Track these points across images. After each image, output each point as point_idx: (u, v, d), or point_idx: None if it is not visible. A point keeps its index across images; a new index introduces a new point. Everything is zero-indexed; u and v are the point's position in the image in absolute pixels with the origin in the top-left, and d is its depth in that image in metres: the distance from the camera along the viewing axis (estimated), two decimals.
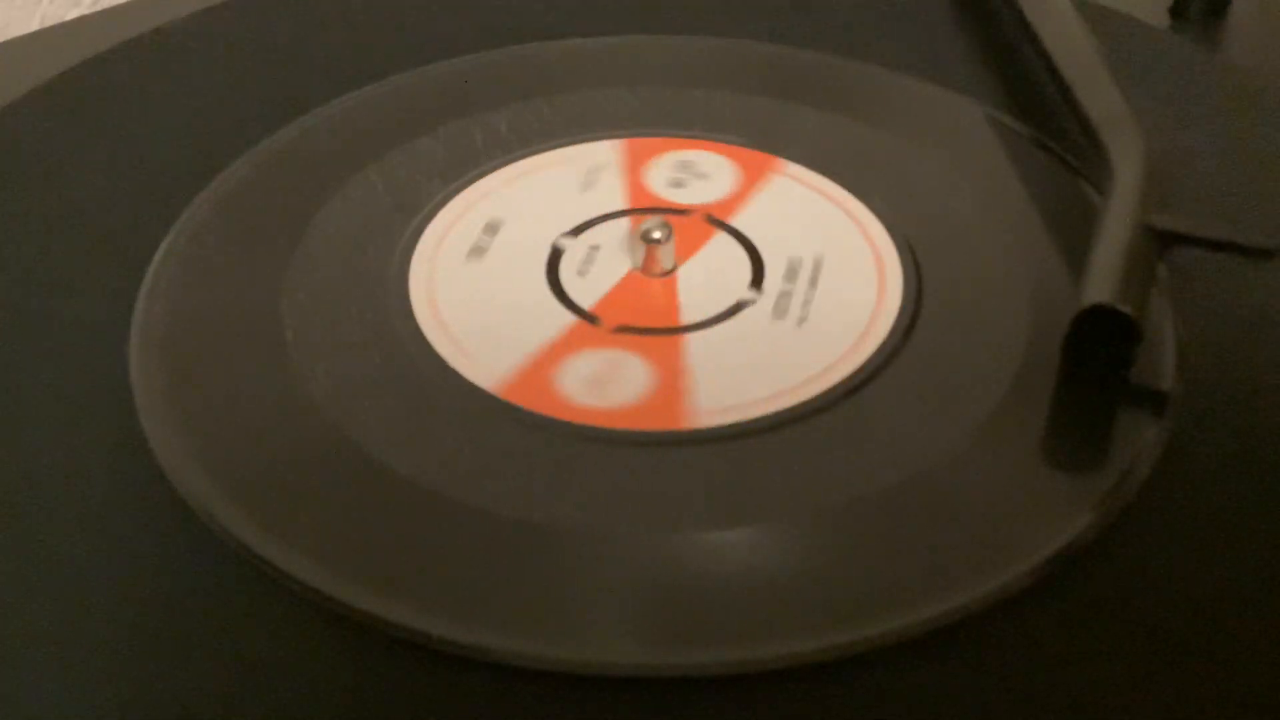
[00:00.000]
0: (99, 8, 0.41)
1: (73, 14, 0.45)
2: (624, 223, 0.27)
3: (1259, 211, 0.28)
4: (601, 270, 0.26)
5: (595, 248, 0.27)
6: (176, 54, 0.33)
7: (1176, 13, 0.35)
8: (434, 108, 0.30)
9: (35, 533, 0.21)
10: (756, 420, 0.23)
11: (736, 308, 0.25)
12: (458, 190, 0.28)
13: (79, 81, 0.32)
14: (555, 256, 0.26)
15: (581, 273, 0.26)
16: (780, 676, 0.19)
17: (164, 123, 0.30)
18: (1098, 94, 0.28)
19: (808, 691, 0.19)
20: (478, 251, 0.26)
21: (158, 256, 0.26)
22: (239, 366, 0.24)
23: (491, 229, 0.27)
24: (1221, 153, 0.29)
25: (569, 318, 0.25)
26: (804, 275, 0.26)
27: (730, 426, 0.23)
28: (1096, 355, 0.23)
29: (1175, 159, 0.27)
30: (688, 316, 0.25)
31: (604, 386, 0.23)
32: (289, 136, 0.30)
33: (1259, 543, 0.21)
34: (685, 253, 0.26)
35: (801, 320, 0.25)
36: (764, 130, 0.30)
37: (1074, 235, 0.26)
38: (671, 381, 0.24)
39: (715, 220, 0.27)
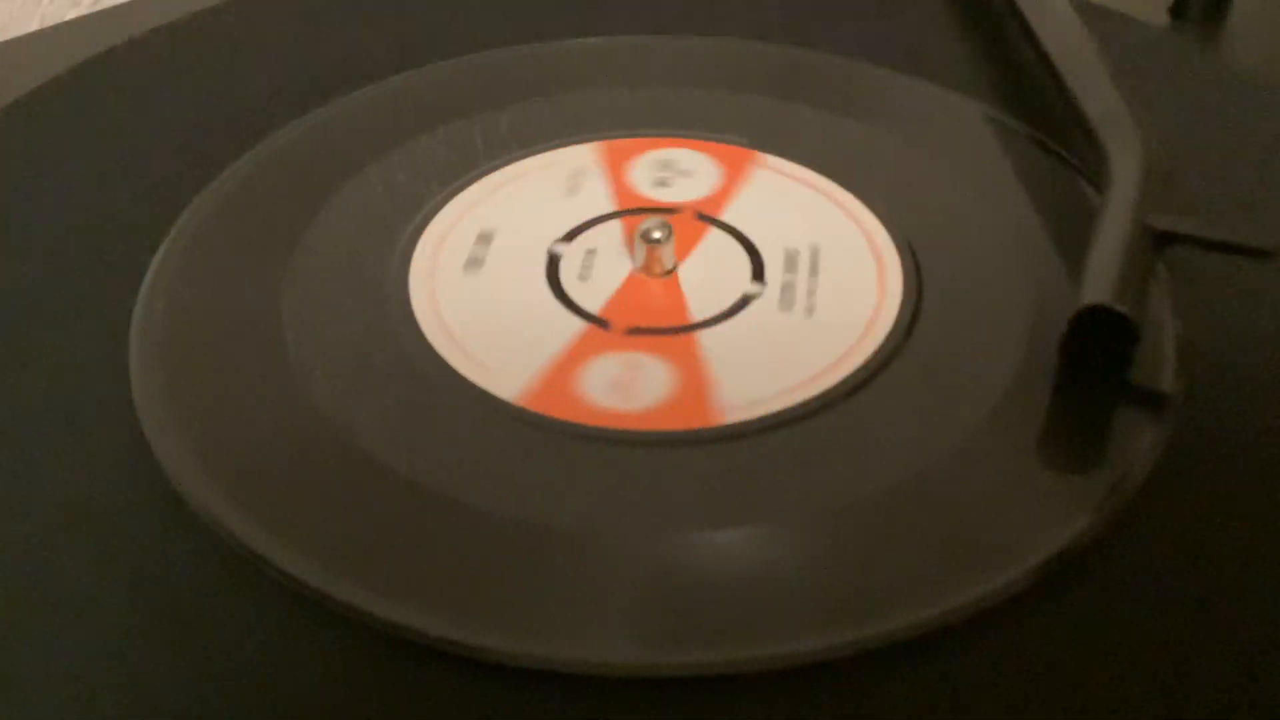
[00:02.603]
0: (99, 8, 0.41)
1: (73, 14, 0.45)
2: (616, 225, 0.27)
3: (1258, 212, 0.28)
4: (602, 273, 0.26)
5: (592, 252, 0.27)
6: (176, 54, 0.33)
7: (1176, 13, 0.35)
8: (436, 108, 0.31)
9: (35, 533, 0.21)
10: (755, 421, 0.23)
11: (743, 302, 0.25)
12: (456, 192, 0.28)
13: (79, 81, 0.32)
14: (554, 263, 0.26)
15: (583, 277, 0.26)
16: (780, 676, 0.19)
17: (164, 123, 0.30)
18: (1096, 93, 0.28)
19: (808, 691, 0.19)
20: (475, 263, 0.26)
21: (158, 257, 0.26)
22: (239, 367, 0.24)
23: (485, 239, 0.27)
24: (1221, 153, 0.29)
25: (579, 324, 0.25)
26: (803, 265, 0.26)
27: (729, 427, 0.23)
28: (1095, 355, 0.23)
29: (1174, 159, 0.27)
30: (697, 314, 0.25)
31: (627, 390, 0.23)
32: (289, 137, 0.30)
33: (1259, 543, 0.21)
34: (682, 251, 0.27)
35: (810, 310, 0.25)
36: (764, 130, 0.30)
37: (1074, 235, 0.26)
38: (693, 379, 0.24)
39: (705, 217, 0.27)
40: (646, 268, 0.26)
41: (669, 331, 0.25)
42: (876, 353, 0.24)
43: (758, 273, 0.26)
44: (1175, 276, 0.25)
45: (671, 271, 0.26)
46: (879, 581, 0.20)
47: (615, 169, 0.29)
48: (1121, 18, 0.34)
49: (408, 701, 0.19)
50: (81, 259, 0.26)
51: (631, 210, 0.28)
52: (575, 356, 0.24)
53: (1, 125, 0.30)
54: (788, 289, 0.26)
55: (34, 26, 0.45)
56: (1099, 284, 0.23)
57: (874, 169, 0.29)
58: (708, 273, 0.26)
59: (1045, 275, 0.26)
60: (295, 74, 0.32)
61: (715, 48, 0.33)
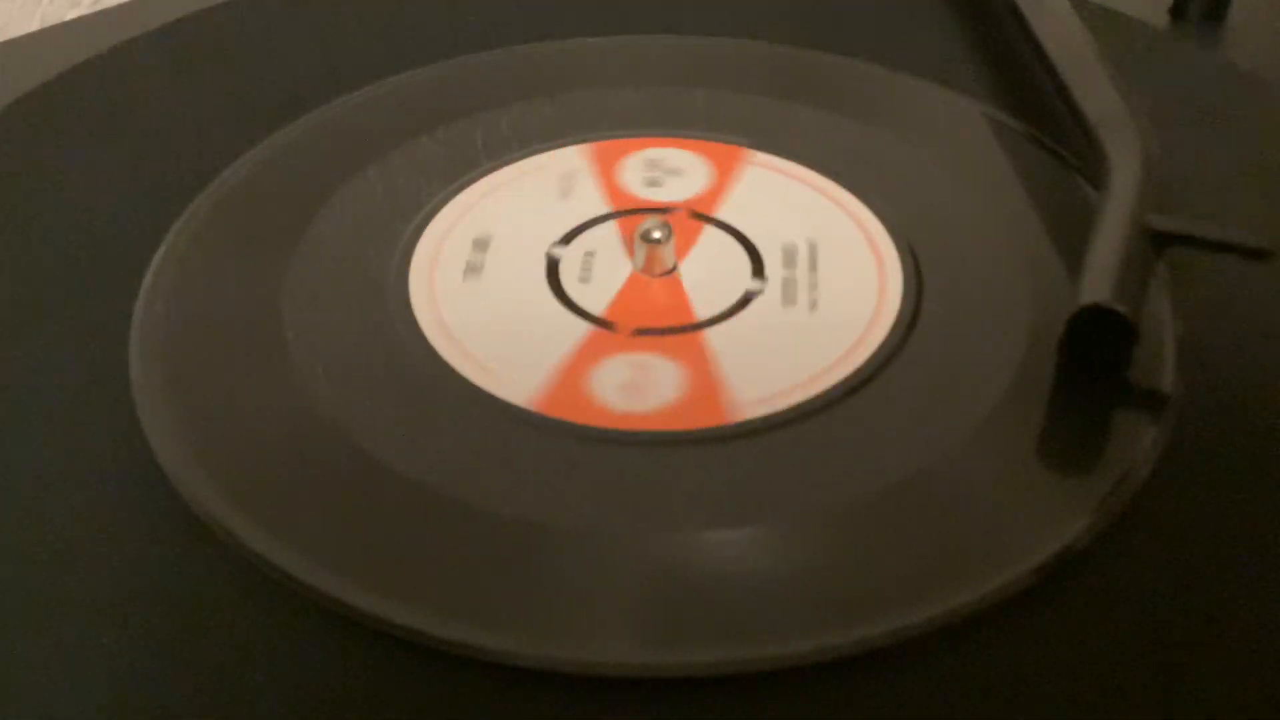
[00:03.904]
0: (99, 8, 0.41)
1: (73, 14, 0.45)
2: (612, 226, 0.27)
3: (1258, 212, 0.28)
4: (602, 275, 0.26)
5: (591, 254, 0.27)
6: (176, 54, 0.33)
7: (1176, 13, 0.35)
8: (436, 108, 0.31)
9: (35, 533, 0.21)
10: (755, 420, 0.23)
11: (746, 299, 0.25)
12: (456, 192, 0.28)
13: (79, 81, 0.32)
14: (553, 266, 0.26)
15: (583, 279, 0.26)
16: (780, 676, 0.19)
17: (164, 123, 0.30)
18: (1095, 93, 0.28)
19: (807, 691, 0.19)
20: (475, 266, 0.26)
21: (158, 257, 0.26)
22: (239, 367, 0.24)
23: (482, 243, 0.27)
24: (1221, 153, 0.29)
25: (584, 326, 0.25)
26: (802, 261, 0.26)
27: (729, 427, 0.23)
28: (1094, 355, 0.23)
29: (1173, 159, 0.27)
30: (701, 312, 0.25)
31: (639, 391, 0.23)
32: (289, 137, 0.30)
33: (1258, 544, 0.21)
34: (681, 250, 0.27)
35: (813, 305, 0.25)
36: (762, 129, 0.30)
37: (1073, 234, 0.26)
38: (705, 378, 0.24)
39: (700, 215, 0.27)
40: (647, 268, 0.26)
41: (676, 331, 0.25)
42: (876, 352, 0.24)
43: (757, 269, 0.26)
44: (1175, 276, 0.25)
45: (672, 271, 0.26)
46: (879, 581, 0.20)
47: (606, 170, 0.29)
48: (1121, 18, 0.34)
49: (408, 701, 0.19)
50: (81, 259, 0.26)
51: (625, 211, 0.28)
52: (584, 359, 0.24)
53: (1, 125, 0.30)
54: (789, 285, 0.26)
55: (34, 26, 0.45)
56: (1097, 284, 0.23)
57: (873, 168, 0.29)
58: (708, 271, 0.26)
59: (1045, 275, 0.26)
60: (295, 74, 0.32)
61: (713, 47, 0.33)
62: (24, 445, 0.22)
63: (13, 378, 0.24)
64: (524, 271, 0.26)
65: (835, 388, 0.23)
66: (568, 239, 0.27)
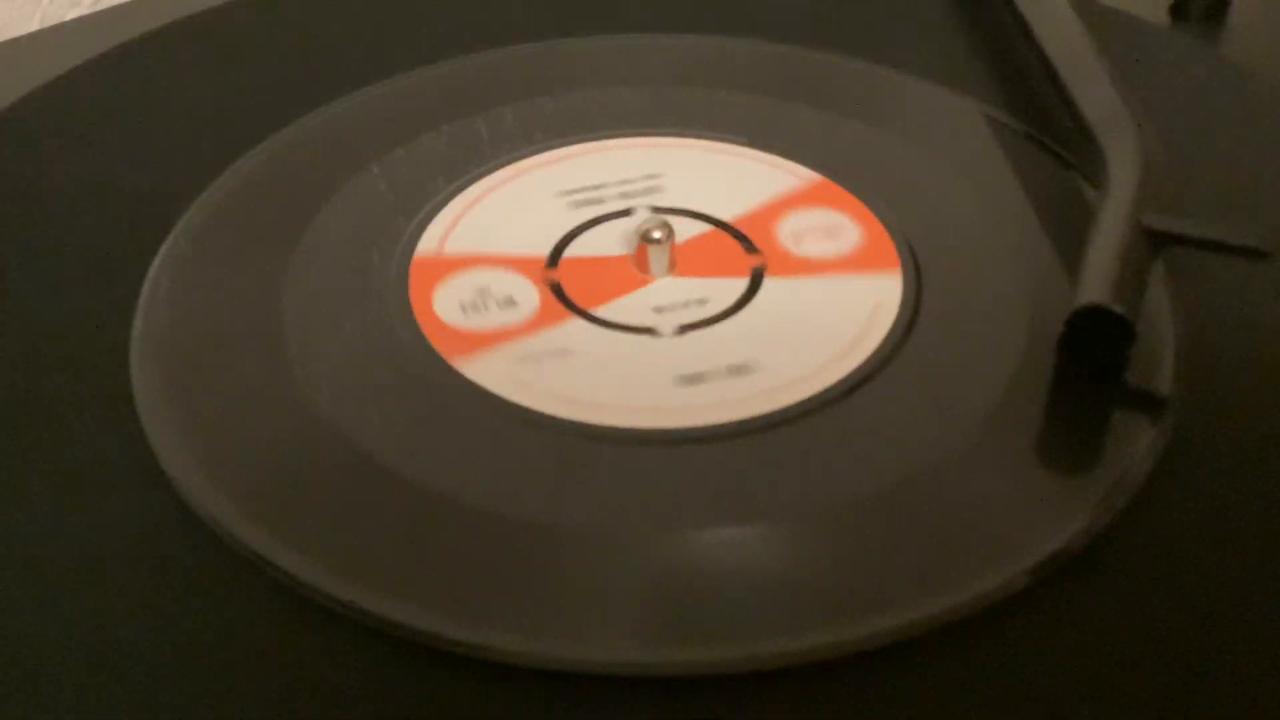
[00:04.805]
0: (99, 8, 0.41)
1: (73, 14, 0.45)
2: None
3: (1257, 212, 0.28)
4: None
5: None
6: (175, 54, 0.33)
7: (1176, 13, 0.35)
8: (436, 108, 0.31)
9: (35, 533, 0.21)
10: (755, 419, 0.23)
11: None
12: (459, 190, 0.28)
13: (79, 81, 0.32)
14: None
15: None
16: (780, 676, 0.19)
17: (164, 123, 0.30)
18: (1094, 94, 0.28)
19: (807, 691, 0.19)
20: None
21: (158, 257, 0.26)
22: (239, 367, 0.24)
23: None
24: (1220, 153, 0.29)
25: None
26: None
27: (730, 425, 0.23)
28: (1093, 355, 0.23)
29: (1172, 159, 0.27)
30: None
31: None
32: (289, 137, 0.30)
33: (1256, 544, 0.21)
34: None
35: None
36: (762, 129, 0.30)
37: (1073, 235, 0.26)
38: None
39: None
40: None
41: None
42: (876, 352, 0.24)
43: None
44: (1175, 276, 0.25)
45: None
46: (879, 581, 0.20)
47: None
48: (1121, 18, 0.34)
49: (408, 701, 0.19)
50: (82, 259, 0.26)
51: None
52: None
53: (1, 125, 0.30)
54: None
55: (34, 26, 0.45)
56: (1095, 284, 0.23)
57: (873, 168, 0.29)
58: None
59: (1045, 275, 0.26)
60: (295, 74, 0.32)
61: (715, 47, 0.33)
62: (25, 446, 0.22)
63: (14, 378, 0.24)
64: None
65: (826, 392, 0.23)
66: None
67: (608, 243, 0.27)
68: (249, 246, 0.27)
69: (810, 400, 0.23)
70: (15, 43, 0.34)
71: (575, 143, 0.30)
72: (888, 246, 0.26)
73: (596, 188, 0.28)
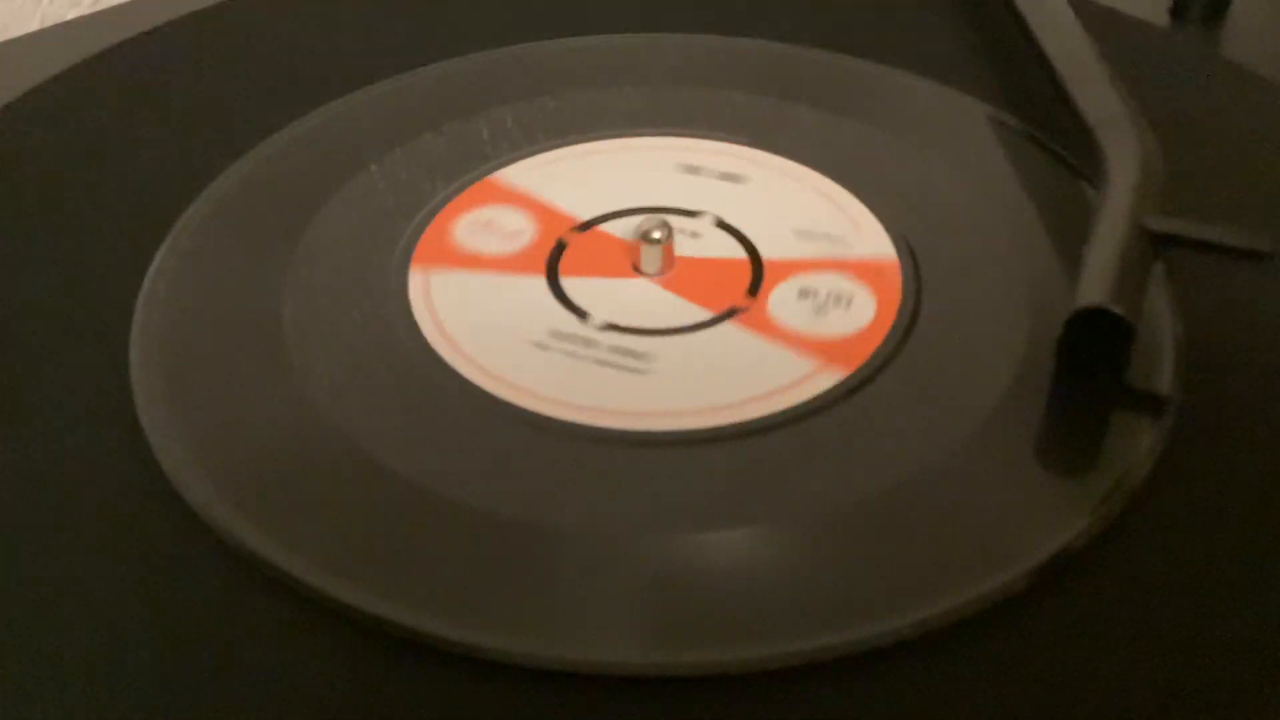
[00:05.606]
0: (99, 8, 0.41)
1: (73, 14, 0.45)
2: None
3: (1257, 212, 0.28)
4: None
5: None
6: (175, 54, 0.33)
7: (1177, 13, 0.35)
8: (435, 108, 0.31)
9: (35, 533, 0.21)
10: (755, 421, 0.23)
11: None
12: (457, 191, 0.28)
13: (79, 81, 0.32)
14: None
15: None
16: (780, 676, 0.19)
17: (164, 122, 0.30)
18: (1094, 94, 0.28)
19: (807, 691, 0.19)
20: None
21: (158, 257, 0.26)
22: (239, 367, 0.24)
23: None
24: (1221, 153, 0.29)
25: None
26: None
27: (730, 426, 0.23)
28: (1093, 356, 0.23)
29: (1173, 159, 0.27)
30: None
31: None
32: (289, 136, 0.30)
33: (1256, 545, 0.21)
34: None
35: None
36: (762, 128, 0.30)
37: (1073, 235, 0.26)
38: None
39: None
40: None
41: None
42: (876, 353, 0.24)
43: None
44: (1175, 276, 0.25)
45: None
46: (878, 582, 0.20)
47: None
48: (1121, 18, 0.34)
49: (408, 702, 0.19)
50: (81, 259, 0.26)
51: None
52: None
53: (1, 125, 0.30)
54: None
55: (34, 26, 0.45)
56: (1095, 285, 0.23)
57: (873, 168, 0.29)
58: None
59: (1044, 275, 0.26)
60: (295, 74, 0.32)
61: (715, 47, 0.33)
62: (24, 445, 0.22)
63: (13, 378, 0.24)
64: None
65: (826, 393, 0.23)
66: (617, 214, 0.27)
67: (605, 243, 0.27)
68: (248, 246, 0.27)
69: (810, 401, 0.23)
70: (15, 43, 0.34)
71: (576, 142, 0.30)
72: (887, 248, 0.27)
73: (694, 169, 0.29)
